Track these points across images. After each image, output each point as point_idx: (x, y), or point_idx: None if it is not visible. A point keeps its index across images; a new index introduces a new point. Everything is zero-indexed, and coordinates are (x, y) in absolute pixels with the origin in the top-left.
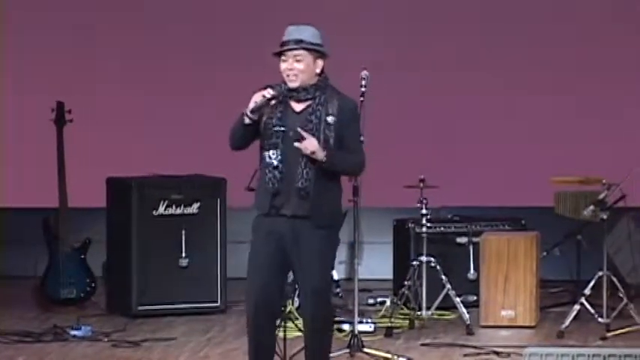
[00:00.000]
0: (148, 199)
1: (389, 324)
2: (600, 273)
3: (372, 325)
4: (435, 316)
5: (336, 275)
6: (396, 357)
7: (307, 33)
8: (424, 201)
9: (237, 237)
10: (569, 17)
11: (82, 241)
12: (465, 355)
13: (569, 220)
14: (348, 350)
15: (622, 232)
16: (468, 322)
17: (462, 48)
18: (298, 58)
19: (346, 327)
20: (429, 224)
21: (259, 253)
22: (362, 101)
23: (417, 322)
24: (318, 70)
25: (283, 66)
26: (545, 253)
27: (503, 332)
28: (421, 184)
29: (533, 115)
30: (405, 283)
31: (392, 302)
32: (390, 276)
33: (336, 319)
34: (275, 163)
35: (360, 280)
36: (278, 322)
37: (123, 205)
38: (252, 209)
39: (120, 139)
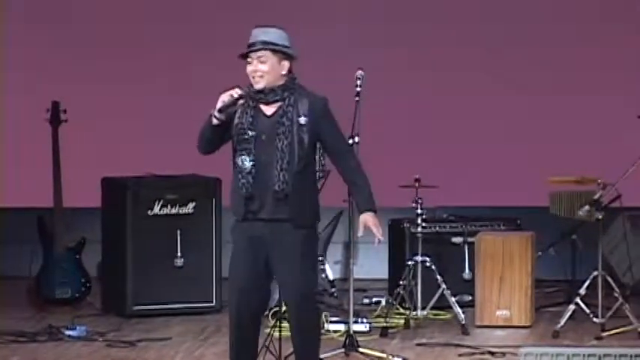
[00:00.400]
0: (143, 199)
1: (384, 324)
2: (595, 273)
3: (368, 325)
4: (431, 316)
5: (331, 275)
6: (391, 357)
7: (272, 34)
8: (419, 201)
9: None
10: (569, 17)
11: (77, 240)
12: (460, 355)
13: (564, 220)
14: (343, 350)
15: (617, 232)
16: (464, 322)
17: (458, 48)
18: (262, 59)
19: (341, 327)
20: (424, 224)
21: (241, 260)
22: (357, 101)
23: (412, 322)
24: (283, 72)
25: (249, 68)
26: (540, 253)
27: (499, 332)
28: (416, 184)
29: (528, 116)
30: (401, 282)
31: (387, 302)
32: (386, 276)
33: (334, 319)
34: (248, 168)
35: (355, 280)
36: (273, 322)
37: (118, 204)
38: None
39: (115, 139)
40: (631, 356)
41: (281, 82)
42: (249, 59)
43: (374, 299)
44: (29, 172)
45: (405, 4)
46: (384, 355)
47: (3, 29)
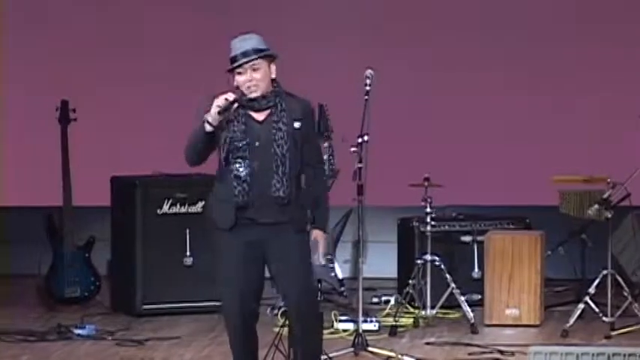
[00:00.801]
0: (153, 198)
1: (393, 323)
2: (605, 272)
3: (377, 324)
4: (440, 315)
5: (340, 274)
6: (400, 356)
7: (256, 41)
8: (429, 200)
9: None
10: (570, 17)
11: (87, 239)
12: (470, 354)
13: (573, 219)
14: (352, 349)
15: (627, 231)
16: (473, 321)
17: (470, 48)
18: (255, 67)
19: (350, 326)
20: (433, 223)
21: (240, 264)
22: (366, 100)
23: (421, 321)
24: (273, 76)
25: (241, 79)
26: (549, 252)
27: (508, 331)
28: (426, 183)
29: (538, 115)
30: (410, 281)
31: (396, 301)
32: (395, 275)
33: (343, 317)
34: (243, 175)
35: (364, 279)
36: (282, 321)
37: (127, 203)
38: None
39: (124, 137)
40: None
41: (271, 88)
42: (239, 70)
43: (383, 298)
44: (38, 170)
45: (411, 3)
46: (393, 354)
47: (13, 28)
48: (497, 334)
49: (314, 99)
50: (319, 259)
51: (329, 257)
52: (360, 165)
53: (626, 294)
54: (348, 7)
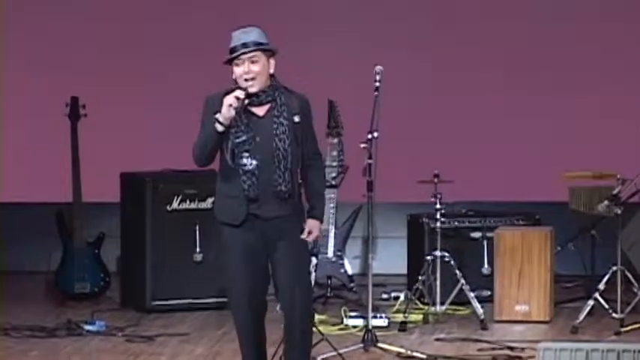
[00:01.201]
0: (162, 194)
1: (403, 319)
2: (614, 268)
3: (386, 320)
4: (449, 311)
5: (350, 270)
6: (409, 352)
7: (257, 34)
8: (438, 196)
9: None
10: (570, 17)
11: (96, 235)
12: (479, 350)
13: (583, 215)
14: (362, 345)
15: (636, 227)
16: (482, 317)
17: (479, 47)
18: (254, 59)
19: (360, 322)
20: (443, 219)
21: (248, 262)
22: (376, 96)
23: (431, 317)
24: (272, 71)
25: (239, 70)
26: (559, 248)
27: (518, 327)
28: (435, 179)
29: (548, 112)
30: (419, 277)
31: (406, 297)
32: (404, 271)
33: (353, 314)
34: (251, 169)
35: (374, 275)
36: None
37: (137, 200)
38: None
39: (135, 134)
40: None
41: (269, 83)
42: (237, 61)
43: (393, 294)
44: (48, 167)
45: (420, 3)
46: (402, 350)
47: (24, 25)
48: (506, 330)
49: (319, 96)
50: (315, 247)
51: (339, 253)
52: (369, 161)
53: (635, 290)
54: (351, 4)
